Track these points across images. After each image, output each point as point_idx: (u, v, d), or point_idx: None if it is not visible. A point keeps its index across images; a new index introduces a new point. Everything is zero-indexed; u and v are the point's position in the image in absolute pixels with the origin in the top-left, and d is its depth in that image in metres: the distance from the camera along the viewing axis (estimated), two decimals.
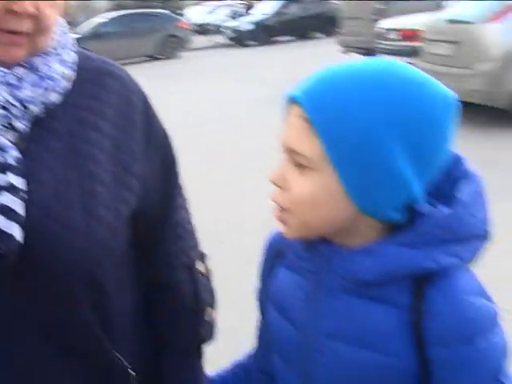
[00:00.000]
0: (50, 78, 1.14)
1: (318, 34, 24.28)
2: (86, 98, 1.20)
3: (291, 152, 1.00)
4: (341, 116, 0.95)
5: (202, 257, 1.38)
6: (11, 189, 1.06)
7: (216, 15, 31.49)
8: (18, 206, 1.05)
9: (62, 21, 1.22)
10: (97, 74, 1.24)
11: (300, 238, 1.06)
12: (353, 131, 0.94)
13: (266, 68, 15.37)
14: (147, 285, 1.32)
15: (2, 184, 1.05)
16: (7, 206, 1.05)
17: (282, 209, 1.03)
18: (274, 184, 1.03)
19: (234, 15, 28.72)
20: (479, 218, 1.01)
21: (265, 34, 23.96)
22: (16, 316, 1.10)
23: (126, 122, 1.23)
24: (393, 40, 11.48)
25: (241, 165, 7.18)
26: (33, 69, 1.13)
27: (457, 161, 1.05)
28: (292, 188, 1.01)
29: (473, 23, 7.88)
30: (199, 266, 1.35)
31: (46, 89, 1.13)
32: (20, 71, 1.11)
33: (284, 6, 24.64)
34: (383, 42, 11.77)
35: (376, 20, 12.74)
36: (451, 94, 1.00)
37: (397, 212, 0.99)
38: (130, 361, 1.21)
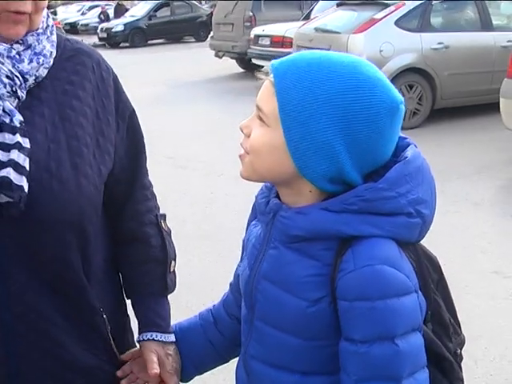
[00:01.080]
0: (42, 55, 1.24)
1: (190, 38, 24.43)
2: (67, 73, 1.30)
3: (257, 108, 1.13)
4: (295, 86, 1.06)
5: (163, 217, 1.47)
6: (19, 147, 1.15)
7: (87, 16, 30.52)
8: (25, 162, 1.14)
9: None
10: (75, 53, 1.33)
11: (249, 179, 1.18)
12: (300, 101, 1.06)
13: (140, 68, 15.12)
14: (120, 239, 1.42)
15: (12, 143, 1.14)
16: (17, 162, 1.13)
17: (244, 154, 1.16)
18: (241, 131, 1.16)
19: (104, 16, 27.88)
20: (406, 197, 1.07)
21: (136, 36, 23.62)
22: (16, 258, 1.19)
23: (102, 94, 1.33)
24: (264, 46, 11.78)
25: None
26: (28, 46, 1.22)
27: (406, 147, 1.13)
28: (252, 136, 1.13)
29: (340, 33, 8.26)
30: (163, 225, 1.45)
31: (38, 63, 1.22)
32: (18, 47, 1.20)
33: (155, 10, 24.46)
34: (255, 47, 12.04)
35: (248, 27, 12.99)
36: (400, 100, 1.08)
37: (331, 184, 1.09)
38: (100, 304, 1.31)
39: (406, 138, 1.17)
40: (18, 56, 1.21)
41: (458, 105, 8.25)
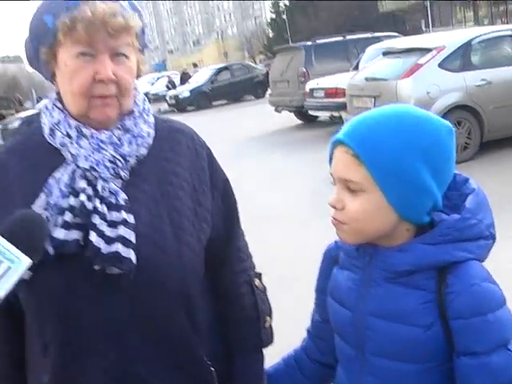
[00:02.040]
0: (141, 137, 1.27)
1: (249, 97, 24.68)
2: (165, 151, 1.32)
3: (344, 181, 1.15)
4: (378, 149, 1.11)
5: (258, 275, 1.46)
6: (125, 223, 1.18)
7: (156, 85, 31.48)
8: (131, 236, 1.18)
9: (140, 91, 1.36)
10: (170, 132, 1.36)
11: (355, 243, 1.20)
12: (389, 159, 1.10)
13: (207, 128, 15.54)
14: (217, 299, 1.41)
15: (119, 220, 1.18)
16: (124, 237, 1.17)
17: (341, 223, 1.17)
18: (333, 207, 1.18)
19: (171, 85, 28.81)
20: (483, 222, 1.15)
21: (201, 99, 24.01)
22: (129, 322, 1.20)
23: (197, 168, 1.35)
24: (319, 98, 11.82)
25: None
26: (127, 130, 1.26)
27: (466, 181, 1.21)
28: (348, 207, 1.15)
29: (388, 80, 8.25)
30: (257, 283, 1.44)
31: (137, 145, 1.26)
32: (118, 133, 1.25)
33: (216, 74, 24.81)
34: (311, 100, 12.12)
35: (302, 81, 13.05)
36: (449, 124, 1.18)
37: (427, 216, 1.15)
38: (209, 359, 1.31)
39: (461, 174, 1.22)
40: (118, 141, 1.24)
41: (505, 136, 8.13)
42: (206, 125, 15.21)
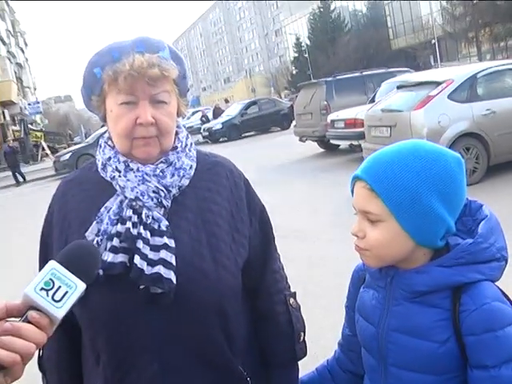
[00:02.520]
0: (182, 169, 1.28)
1: (276, 128, 24.59)
2: (206, 182, 1.33)
3: (364, 212, 1.17)
4: (391, 183, 1.12)
5: (293, 295, 1.46)
6: (166, 247, 1.19)
7: (191, 119, 31.61)
8: (172, 259, 1.19)
9: (184, 128, 1.38)
10: (212, 165, 1.37)
11: (377, 266, 1.22)
12: (402, 192, 1.11)
13: (237, 157, 15.60)
14: (254, 316, 1.41)
15: (161, 244, 1.19)
16: (166, 260, 1.18)
17: (363, 250, 1.19)
18: (355, 235, 1.19)
19: (205, 118, 29.10)
20: (495, 246, 1.15)
21: (232, 131, 24.02)
22: (170, 338, 1.21)
23: (235, 197, 1.35)
24: (339, 128, 11.78)
25: None
26: (170, 163, 1.27)
27: (480, 207, 1.21)
28: (368, 236, 1.17)
29: (402, 111, 8.23)
30: (291, 302, 1.44)
31: (179, 176, 1.27)
32: (162, 166, 1.26)
33: (246, 108, 24.85)
34: (332, 130, 12.08)
35: (324, 114, 13.06)
36: (458, 155, 1.18)
37: (441, 241, 1.16)
38: (246, 371, 1.31)
39: (475, 201, 1.22)
40: (161, 173, 1.25)
41: (509, 160, 8.12)
42: (237, 154, 15.26)
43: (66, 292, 0.88)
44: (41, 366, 1.38)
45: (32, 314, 0.85)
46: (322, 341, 3.12)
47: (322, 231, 6.72)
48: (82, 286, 0.90)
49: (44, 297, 0.86)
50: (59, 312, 0.87)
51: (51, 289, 0.87)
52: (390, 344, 1.20)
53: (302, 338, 1.43)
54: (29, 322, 0.85)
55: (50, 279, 0.88)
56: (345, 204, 7.75)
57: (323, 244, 6.28)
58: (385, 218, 1.13)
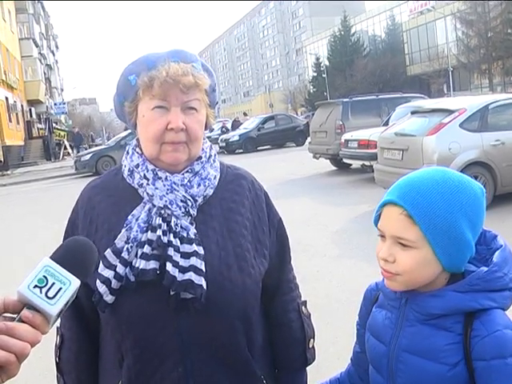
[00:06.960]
0: (208, 179, 1.29)
1: (291, 144, 24.58)
2: (230, 193, 1.34)
3: (396, 238, 1.15)
4: (430, 211, 1.11)
5: (304, 303, 1.48)
6: (196, 254, 1.20)
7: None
8: (202, 265, 1.20)
9: (207, 140, 1.38)
10: (235, 178, 1.38)
11: (401, 290, 1.20)
12: (440, 220, 1.11)
13: (252, 169, 15.59)
14: (269, 322, 1.42)
15: (191, 251, 1.20)
16: (196, 266, 1.19)
17: (394, 275, 1.17)
18: (384, 260, 1.17)
19: (225, 129, 29.11)
20: (508, 275, 1.14)
21: (249, 144, 24.03)
22: (198, 341, 1.22)
23: (257, 209, 1.37)
24: (353, 148, 11.79)
25: None
26: (196, 173, 1.28)
27: (494, 237, 1.22)
28: (399, 261, 1.15)
29: (415, 136, 8.22)
30: (303, 310, 1.46)
31: (205, 186, 1.28)
32: (189, 175, 1.27)
33: (263, 123, 24.84)
34: (346, 149, 12.08)
35: (339, 133, 13.07)
36: (481, 185, 1.19)
37: (464, 267, 1.17)
38: (261, 372, 1.33)
39: (490, 231, 1.22)
40: (188, 183, 1.25)
41: None
42: (252, 166, 15.12)
43: (60, 288, 0.85)
44: (59, 367, 1.38)
45: (25, 313, 0.83)
46: (323, 354, 3.13)
47: (330, 247, 6.74)
48: (76, 282, 0.86)
49: (37, 294, 0.84)
50: (52, 309, 0.84)
51: (45, 286, 0.84)
52: (400, 364, 1.19)
53: (312, 344, 1.46)
54: (23, 322, 0.83)
55: (44, 276, 0.85)
56: (354, 222, 7.86)
57: (330, 259, 6.26)
58: (418, 245, 1.13)
